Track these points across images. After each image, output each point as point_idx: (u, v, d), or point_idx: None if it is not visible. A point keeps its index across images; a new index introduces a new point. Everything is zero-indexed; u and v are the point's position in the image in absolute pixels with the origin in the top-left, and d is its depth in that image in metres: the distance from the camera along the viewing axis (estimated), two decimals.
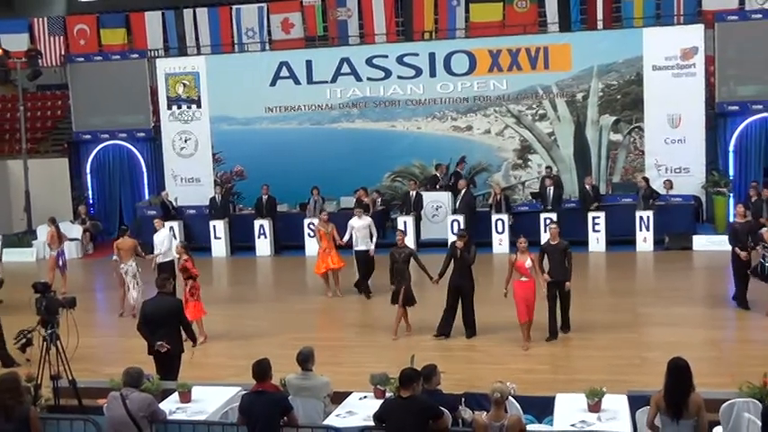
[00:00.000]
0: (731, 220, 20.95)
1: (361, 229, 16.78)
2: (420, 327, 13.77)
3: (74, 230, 23.91)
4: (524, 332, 12.73)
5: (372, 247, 16.81)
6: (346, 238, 17.08)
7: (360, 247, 16.83)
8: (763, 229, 14.50)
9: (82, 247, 23.83)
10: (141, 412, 8.14)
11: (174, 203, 23.36)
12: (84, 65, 25.96)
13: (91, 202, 25.99)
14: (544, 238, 20.46)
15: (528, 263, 12.66)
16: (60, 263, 18.31)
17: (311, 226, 21.92)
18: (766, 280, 14.00)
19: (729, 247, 14.70)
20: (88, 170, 26.24)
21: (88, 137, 25.98)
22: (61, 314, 10.01)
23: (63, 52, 27.27)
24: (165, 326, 10.50)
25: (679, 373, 7.40)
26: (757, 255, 14.19)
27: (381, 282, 15.32)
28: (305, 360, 9.12)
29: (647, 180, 21.03)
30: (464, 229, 15.07)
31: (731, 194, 21.75)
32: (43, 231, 24.20)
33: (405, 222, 21.26)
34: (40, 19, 27.76)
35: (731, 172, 22.25)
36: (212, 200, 22.86)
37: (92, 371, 11.62)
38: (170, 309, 10.65)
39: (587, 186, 21.17)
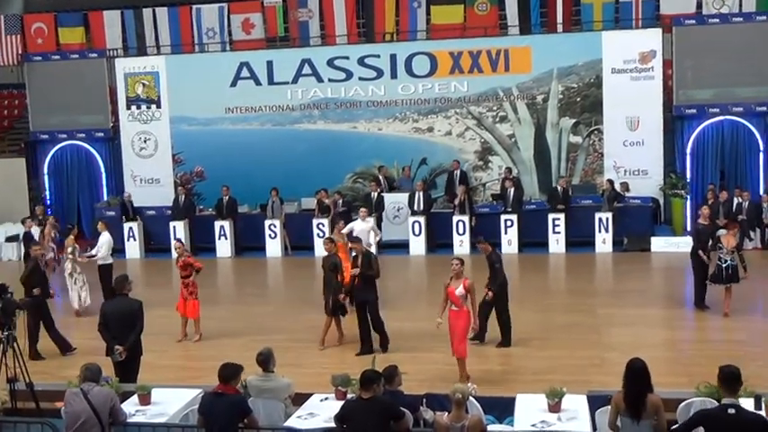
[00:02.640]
0: (690, 221, 21.40)
1: (363, 232, 15.87)
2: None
3: (31, 231, 23.56)
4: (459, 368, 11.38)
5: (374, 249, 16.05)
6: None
7: None
8: (721, 232, 14.69)
9: None
10: (105, 407, 8.08)
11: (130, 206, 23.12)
12: (42, 64, 25.64)
13: (48, 202, 25.65)
14: (505, 239, 20.79)
15: (459, 290, 11.20)
16: None
17: (272, 227, 21.90)
18: (728, 281, 14.14)
19: (687, 249, 14.87)
20: (46, 170, 25.88)
21: (46, 137, 25.66)
22: (18, 316, 9.89)
23: (20, 51, 26.83)
24: (125, 328, 10.40)
25: (636, 374, 7.48)
26: (715, 258, 14.36)
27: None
28: (265, 361, 9.10)
29: (611, 182, 21.21)
30: (356, 236, 14.41)
31: (688, 197, 22.04)
32: (1, 231, 23.97)
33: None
34: None
35: (688, 174, 22.50)
36: (175, 200, 22.74)
37: (49, 373, 11.50)
38: (130, 311, 10.54)
39: (560, 187, 21.32)
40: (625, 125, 22.26)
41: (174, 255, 15.96)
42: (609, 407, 8.03)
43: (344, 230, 16.04)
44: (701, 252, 14.57)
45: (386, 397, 7.97)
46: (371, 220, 16.60)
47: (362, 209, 17.23)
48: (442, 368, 11.85)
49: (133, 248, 22.57)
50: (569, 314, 14.74)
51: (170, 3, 27.07)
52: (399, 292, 13.74)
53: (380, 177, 22.67)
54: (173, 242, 22.01)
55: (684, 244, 17.63)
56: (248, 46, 25.44)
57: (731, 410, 6.86)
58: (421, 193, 21.35)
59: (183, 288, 14.18)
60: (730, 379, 7.07)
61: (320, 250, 19.13)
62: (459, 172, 22.67)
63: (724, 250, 14.13)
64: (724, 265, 14.09)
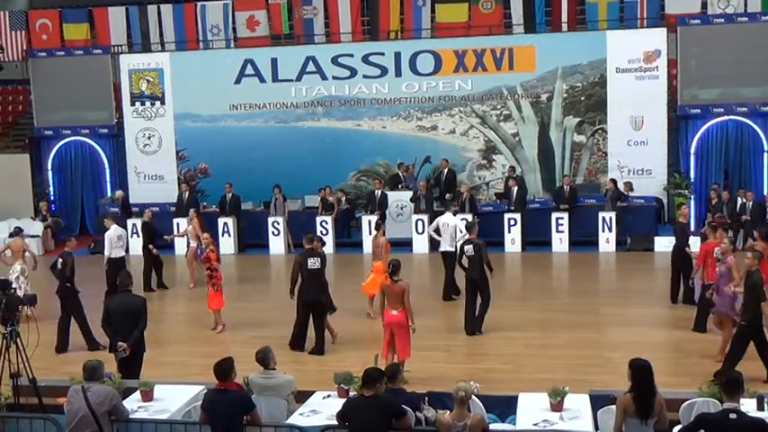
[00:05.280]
0: (694, 222, 21.43)
1: (453, 226, 15.86)
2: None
3: (35, 227, 23.64)
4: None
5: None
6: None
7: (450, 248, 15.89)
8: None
9: (43, 244, 23.53)
10: (103, 407, 8.07)
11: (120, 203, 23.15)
12: (47, 60, 25.66)
13: (52, 198, 25.69)
14: (508, 238, 20.79)
15: None
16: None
17: (275, 225, 21.91)
18: None
19: (691, 250, 14.93)
20: (50, 166, 25.94)
21: (50, 133, 25.70)
22: (21, 311, 9.90)
23: (25, 47, 26.89)
24: (128, 324, 10.40)
25: (644, 374, 7.49)
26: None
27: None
28: (263, 359, 9.10)
29: (614, 181, 21.23)
30: (318, 236, 14.43)
31: (692, 197, 22.02)
32: (4, 227, 23.93)
33: (369, 221, 21.32)
34: (2, 13, 27.35)
35: (692, 174, 22.49)
36: (178, 197, 22.76)
37: (52, 369, 11.51)
38: (134, 307, 10.53)
39: (565, 186, 21.32)
40: (629, 124, 22.23)
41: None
42: (611, 407, 8.04)
43: (432, 226, 16.15)
44: (687, 249, 14.80)
45: (388, 395, 7.97)
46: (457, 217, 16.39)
47: (453, 205, 16.94)
48: (444, 366, 11.87)
49: (136, 245, 22.52)
50: (572, 313, 14.73)
51: None
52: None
53: (401, 174, 22.68)
54: (175, 239, 22.14)
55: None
56: (253, 43, 25.47)
57: (732, 415, 6.85)
58: (424, 192, 21.35)
59: (207, 280, 14.28)
60: (733, 384, 7.05)
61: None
62: (447, 170, 22.64)
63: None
64: None
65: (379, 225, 15.68)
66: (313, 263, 12.99)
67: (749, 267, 10.74)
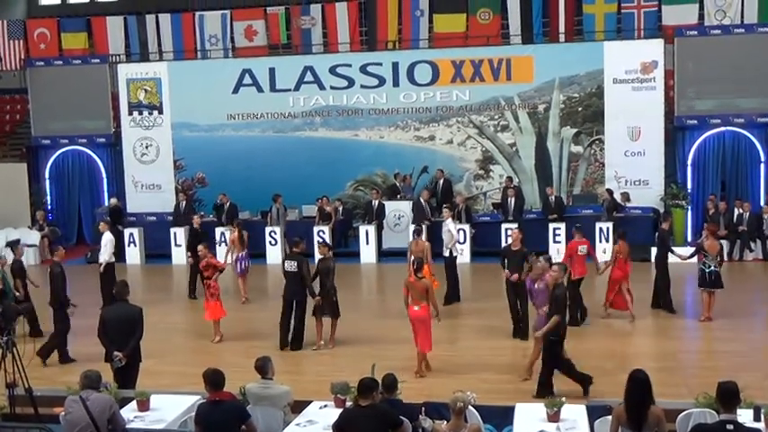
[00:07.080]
0: (690, 232, 21.46)
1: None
2: (379, 336, 13.77)
3: (32, 236, 23.62)
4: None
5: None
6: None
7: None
8: (703, 239, 14.96)
9: (40, 254, 23.51)
10: (104, 415, 8.05)
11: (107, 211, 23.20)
12: (45, 69, 25.68)
13: (49, 207, 25.68)
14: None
15: None
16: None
17: (272, 234, 21.90)
18: (711, 286, 14.44)
19: (689, 261, 15.08)
20: (47, 176, 25.93)
21: (47, 142, 25.70)
22: (18, 322, 9.88)
23: (23, 56, 26.93)
24: (125, 334, 10.37)
25: (638, 385, 7.45)
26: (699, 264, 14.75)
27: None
28: (262, 367, 9.10)
29: (611, 192, 21.25)
30: (297, 238, 14.81)
31: (689, 207, 22.04)
32: (1, 237, 23.92)
33: (366, 231, 21.33)
34: (0, 22, 27.42)
35: (689, 185, 22.51)
36: (176, 206, 22.74)
37: (48, 379, 11.49)
38: (131, 317, 10.50)
39: (550, 197, 21.35)
40: (626, 135, 22.26)
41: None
42: (608, 417, 8.03)
43: (445, 235, 16.53)
44: (673, 254, 15.37)
45: (384, 405, 7.95)
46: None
47: (447, 209, 17.41)
48: (441, 376, 11.85)
49: (133, 254, 22.56)
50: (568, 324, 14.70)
51: (173, 9, 27.16)
52: (398, 301, 13.69)
53: (397, 184, 22.72)
54: (173, 248, 22.16)
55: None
56: (251, 53, 25.53)
57: (729, 426, 6.81)
58: (426, 202, 21.36)
59: (205, 290, 14.30)
60: (728, 395, 7.01)
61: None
62: (443, 181, 22.64)
63: (709, 256, 14.41)
64: (708, 270, 14.36)
65: (420, 230, 16.39)
66: (289, 266, 13.56)
67: (555, 281, 11.13)
